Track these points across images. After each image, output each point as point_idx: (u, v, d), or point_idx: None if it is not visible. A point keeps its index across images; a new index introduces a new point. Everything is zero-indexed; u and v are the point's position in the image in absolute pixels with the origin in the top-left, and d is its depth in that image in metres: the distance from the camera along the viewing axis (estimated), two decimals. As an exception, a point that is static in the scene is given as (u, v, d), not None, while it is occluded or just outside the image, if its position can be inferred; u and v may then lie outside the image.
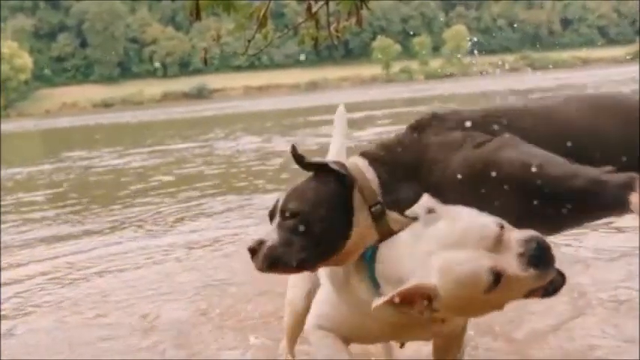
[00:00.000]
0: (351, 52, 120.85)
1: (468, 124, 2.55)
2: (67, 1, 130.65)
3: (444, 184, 2.47)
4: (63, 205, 10.98)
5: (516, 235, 2.26)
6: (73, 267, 6.55)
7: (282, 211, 2.54)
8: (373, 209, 2.52)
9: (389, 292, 2.28)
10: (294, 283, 3.18)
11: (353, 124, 25.11)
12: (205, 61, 4.35)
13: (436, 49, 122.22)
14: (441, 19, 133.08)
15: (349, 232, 2.52)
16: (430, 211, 2.38)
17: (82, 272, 6.32)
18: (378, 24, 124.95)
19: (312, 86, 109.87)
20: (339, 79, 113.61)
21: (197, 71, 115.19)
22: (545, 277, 2.24)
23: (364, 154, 2.62)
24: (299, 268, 2.54)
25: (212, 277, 5.71)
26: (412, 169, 2.55)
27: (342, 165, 2.56)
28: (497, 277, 2.19)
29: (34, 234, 8.48)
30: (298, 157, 2.53)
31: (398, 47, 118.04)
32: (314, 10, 4.08)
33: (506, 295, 2.26)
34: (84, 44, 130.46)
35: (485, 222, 2.27)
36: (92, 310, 5.12)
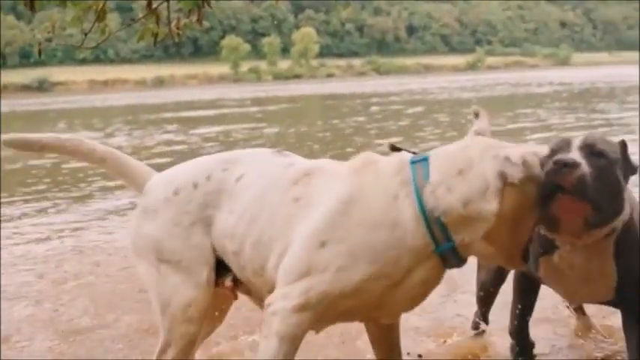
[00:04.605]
0: (199, 50, 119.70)
1: None
2: None
3: None
4: None
5: None
6: None
7: (587, 145, 2.51)
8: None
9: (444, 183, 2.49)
10: (175, 283, 2.77)
11: (199, 122, 24.95)
12: (40, 53, 4.15)
13: (285, 50, 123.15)
14: (291, 20, 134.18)
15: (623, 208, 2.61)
16: None
17: None
18: (228, 23, 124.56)
19: (159, 83, 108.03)
20: (187, 77, 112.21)
21: (39, 63, 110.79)
22: None
23: None
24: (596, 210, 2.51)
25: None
26: None
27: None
28: None
29: None
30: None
31: (247, 47, 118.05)
32: (154, 5, 3.96)
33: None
34: None
35: None
36: None
